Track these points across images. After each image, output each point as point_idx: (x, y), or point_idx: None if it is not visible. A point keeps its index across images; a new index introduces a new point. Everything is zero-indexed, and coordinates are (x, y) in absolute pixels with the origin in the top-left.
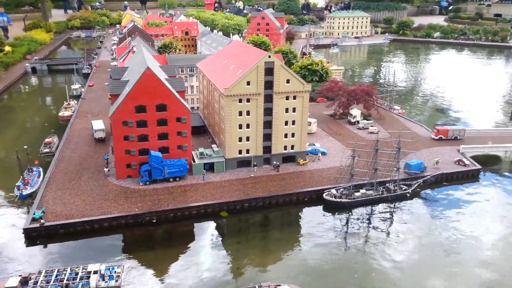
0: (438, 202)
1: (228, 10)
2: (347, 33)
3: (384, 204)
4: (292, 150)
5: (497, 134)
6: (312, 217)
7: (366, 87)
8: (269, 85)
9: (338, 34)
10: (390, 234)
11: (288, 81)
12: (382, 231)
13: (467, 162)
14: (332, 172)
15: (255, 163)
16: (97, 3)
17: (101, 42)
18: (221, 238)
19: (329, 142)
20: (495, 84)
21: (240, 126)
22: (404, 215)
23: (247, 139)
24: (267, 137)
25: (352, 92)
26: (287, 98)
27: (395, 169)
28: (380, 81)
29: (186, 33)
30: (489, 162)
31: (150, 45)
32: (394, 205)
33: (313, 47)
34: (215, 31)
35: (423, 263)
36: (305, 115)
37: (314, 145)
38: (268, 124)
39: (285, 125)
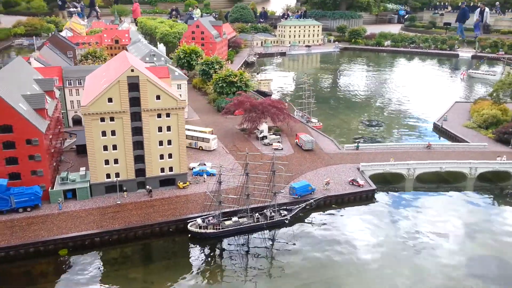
0: (320, 227)
1: (181, 18)
2: (298, 41)
3: (260, 232)
4: (171, 172)
5: (406, 149)
6: (175, 251)
7: (274, 100)
8: (135, 102)
9: (289, 42)
10: (259, 266)
11: (158, 97)
12: (253, 262)
13: (361, 182)
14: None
15: (125, 188)
16: (72, 8)
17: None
18: (60, 281)
19: (226, 160)
20: (437, 96)
21: (106, 148)
22: (280, 244)
23: (116, 161)
24: (140, 158)
25: (259, 105)
26: (159, 116)
27: (271, 193)
28: (300, 92)
29: (116, 42)
30: (395, 181)
31: (67, 54)
32: (274, 233)
33: (257, 56)
34: (142, 39)
35: None
36: (181, 134)
37: (205, 165)
38: (139, 145)
39: (160, 145)
